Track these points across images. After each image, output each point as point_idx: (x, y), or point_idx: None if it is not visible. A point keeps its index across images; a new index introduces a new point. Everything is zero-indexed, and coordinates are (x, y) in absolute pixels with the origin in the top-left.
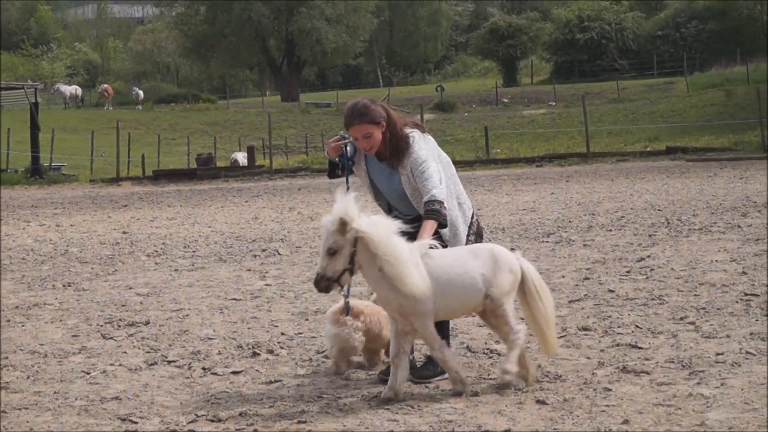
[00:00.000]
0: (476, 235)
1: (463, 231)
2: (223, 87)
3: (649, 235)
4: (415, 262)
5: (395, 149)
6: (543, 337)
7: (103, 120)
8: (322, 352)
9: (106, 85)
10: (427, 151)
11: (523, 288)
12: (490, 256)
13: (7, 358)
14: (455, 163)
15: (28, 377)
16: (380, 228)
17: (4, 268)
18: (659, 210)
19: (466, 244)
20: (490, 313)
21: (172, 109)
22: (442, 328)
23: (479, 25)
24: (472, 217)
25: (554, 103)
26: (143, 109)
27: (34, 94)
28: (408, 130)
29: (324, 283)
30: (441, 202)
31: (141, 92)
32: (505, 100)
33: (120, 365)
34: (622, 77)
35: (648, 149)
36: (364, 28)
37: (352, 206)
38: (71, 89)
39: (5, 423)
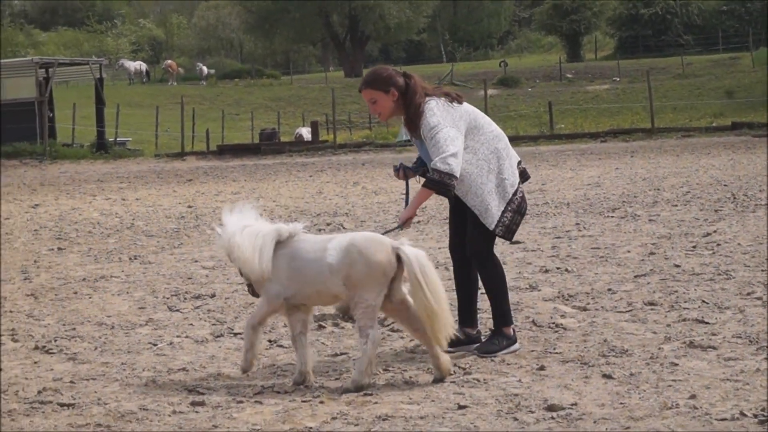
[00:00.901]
0: (515, 212)
1: (496, 206)
2: (286, 62)
3: (715, 210)
4: (259, 244)
5: (410, 119)
6: (429, 330)
7: (168, 95)
8: (388, 324)
9: (170, 61)
10: (440, 117)
11: (409, 279)
12: (345, 247)
13: (74, 329)
14: (518, 138)
15: (96, 348)
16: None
17: (71, 241)
18: (725, 185)
19: (501, 220)
20: (352, 306)
21: (236, 85)
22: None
23: (543, 1)
24: (515, 193)
25: (618, 79)
26: (207, 85)
27: (99, 70)
28: (427, 100)
29: None
30: (442, 172)
31: (205, 68)
32: (569, 76)
33: (186, 337)
34: (686, 52)
35: (713, 125)
36: (428, 3)
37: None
38: (136, 65)
39: (74, 393)
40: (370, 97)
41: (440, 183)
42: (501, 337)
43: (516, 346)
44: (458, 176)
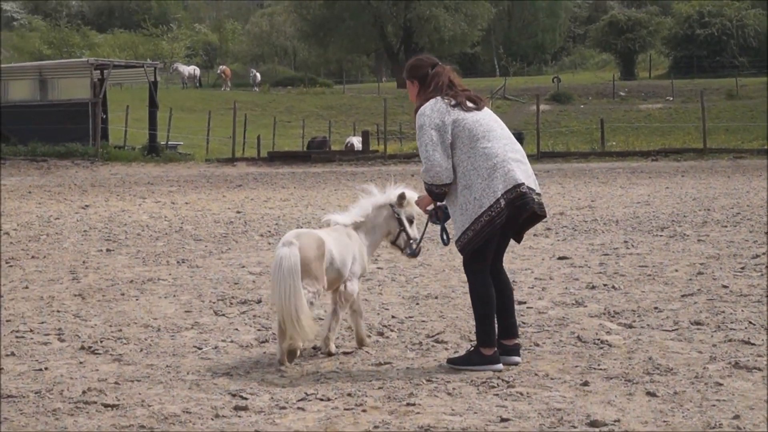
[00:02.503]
0: (477, 233)
1: (460, 222)
2: (339, 71)
3: (765, 233)
4: None
5: (415, 112)
6: None
7: (220, 101)
8: (433, 336)
9: (224, 67)
10: (428, 119)
11: None
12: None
13: (120, 330)
14: (569, 154)
15: (141, 350)
16: None
17: (119, 242)
18: None
19: (460, 237)
20: None
21: (288, 92)
22: None
23: (598, 18)
24: (482, 215)
25: (671, 98)
26: (260, 91)
27: (154, 73)
28: (431, 98)
29: None
30: (426, 184)
31: (258, 74)
32: (622, 94)
33: (231, 342)
34: (741, 74)
35: (766, 147)
36: (483, 16)
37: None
38: (189, 69)
39: (118, 394)
40: (406, 83)
41: (430, 192)
42: (475, 355)
43: (497, 366)
44: (445, 181)
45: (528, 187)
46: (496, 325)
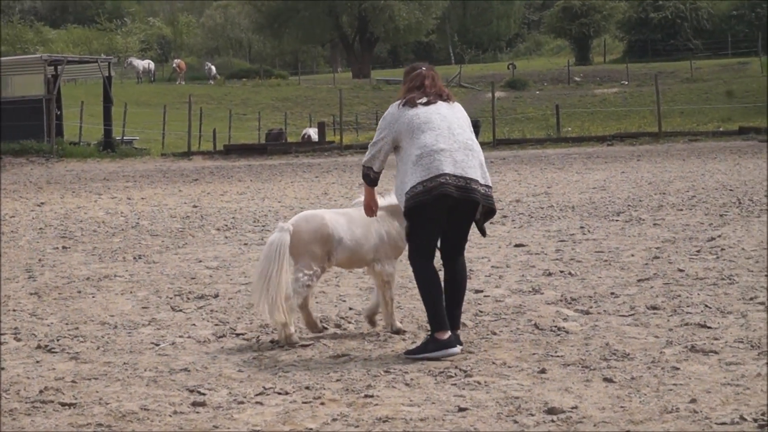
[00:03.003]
0: (409, 210)
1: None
2: (295, 63)
3: (720, 215)
4: None
5: None
6: None
7: (175, 94)
8: (387, 329)
9: (179, 60)
10: (384, 119)
11: None
12: None
13: (77, 328)
14: (525, 141)
15: (99, 348)
16: None
17: (75, 239)
18: (731, 190)
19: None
20: None
21: (243, 85)
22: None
23: (552, 4)
24: (407, 201)
25: (627, 82)
26: (215, 84)
27: (108, 68)
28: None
29: None
30: (363, 166)
31: (213, 67)
32: (577, 79)
33: (189, 337)
34: (695, 57)
35: (721, 129)
36: (437, 5)
37: None
38: (144, 63)
39: (75, 392)
40: None
41: (366, 177)
42: (431, 342)
43: (453, 350)
44: (374, 168)
45: (453, 176)
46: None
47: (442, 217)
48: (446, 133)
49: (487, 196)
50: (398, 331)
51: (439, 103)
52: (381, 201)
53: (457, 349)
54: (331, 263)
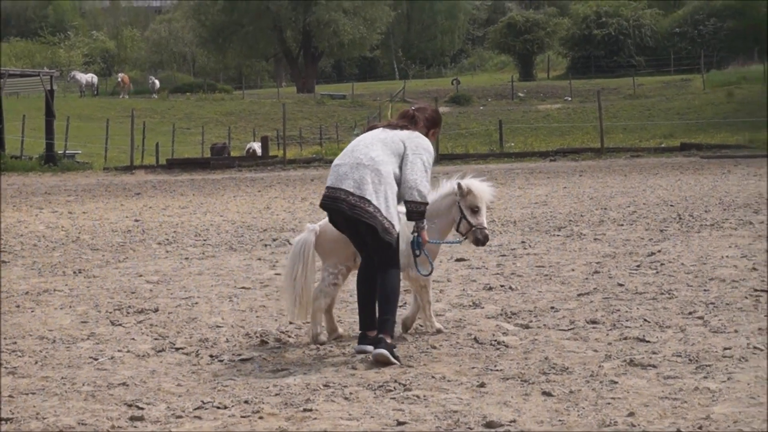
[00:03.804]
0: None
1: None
2: (239, 77)
3: (661, 230)
4: None
5: None
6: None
7: (119, 108)
8: (330, 341)
9: (122, 74)
10: None
11: None
12: None
13: (15, 343)
14: (468, 156)
15: (36, 362)
16: None
17: (15, 254)
18: (671, 205)
19: None
20: None
21: (187, 99)
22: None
23: (496, 20)
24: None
25: (570, 98)
26: (159, 98)
27: (50, 82)
28: None
29: None
30: None
31: (157, 81)
32: (521, 95)
33: (128, 351)
34: (638, 73)
35: (663, 145)
36: (381, 20)
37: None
38: (87, 77)
39: (12, 407)
40: None
41: None
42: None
43: (365, 347)
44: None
45: (330, 188)
46: (365, 315)
47: (340, 225)
48: (348, 151)
49: (354, 207)
50: (438, 331)
51: (382, 128)
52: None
53: (368, 348)
54: (357, 264)
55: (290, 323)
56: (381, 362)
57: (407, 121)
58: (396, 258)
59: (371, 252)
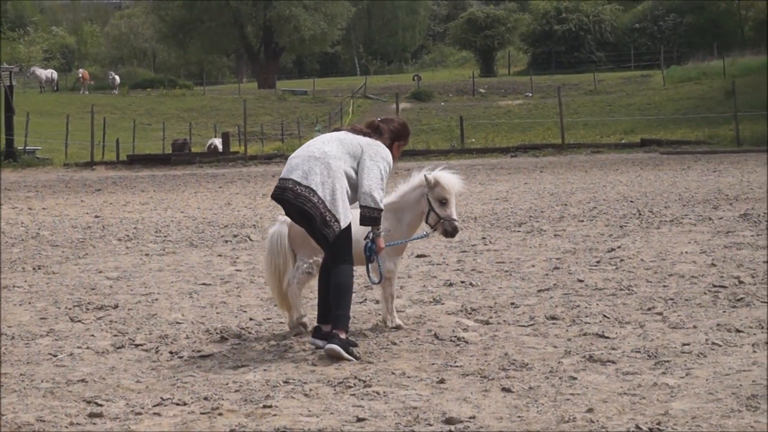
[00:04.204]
0: None
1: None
2: (200, 73)
3: (620, 226)
4: None
5: None
6: None
7: (79, 104)
8: (290, 338)
9: (82, 70)
10: None
11: None
12: None
13: None
14: (429, 152)
15: None
16: None
17: None
18: (631, 201)
19: None
20: None
21: (148, 95)
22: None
23: (457, 15)
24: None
25: (531, 94)
26: (119, 94)
27: (9, 77)
28: None
29: None
30: None
31: (117, 77)
32: (482, 91)
33: (87, 348)
34: (599, 69)
35: (623, 141)
36: (342, 15)
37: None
38: (47, 73)
39: None
40: None
41: None
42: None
43: (315, 341)
44: None
45: (280, 179)
46: (321, 309)
47: (294, 217)
48: (304, 146)
49: (299, 196)
50: (397, 327)
51: (345, 131)
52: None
53: (320, 342)
54: None
55: (250, 319)
56: (332, 357)
57: (372, 131)
58: (347, 252)
59: (324, 247)
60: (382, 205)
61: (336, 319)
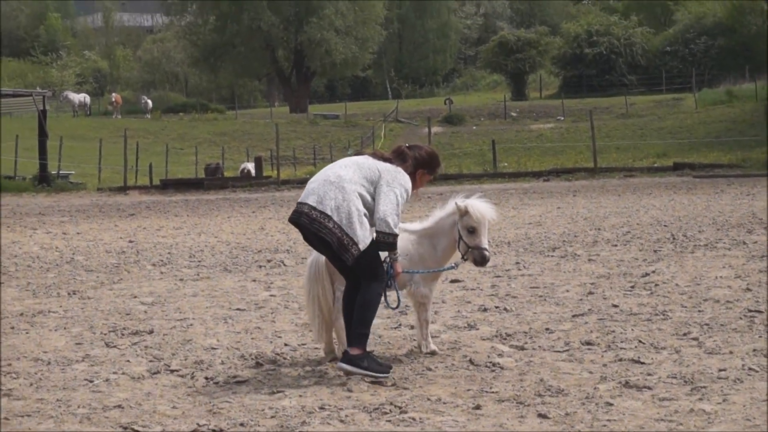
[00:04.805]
0: None
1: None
2: (231, 97)
3: (654, 251)
4: None
5: None
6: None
7: (112, 128)
8: (325, 363)
9: (115, 94)
10: None
11: None
12: None
13: (10, 365)
14: (462, 176)
15: (31, 384)
16: None
17: (9, 275)
18: (665, 226)
19: None
20: None
21: (180, 119)
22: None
23: (488, 39)
24: None
25: (562, 118)
26: (152, 118)
27: (43, 102)
28: None
29: None
30: None
31: (149, 101)
32: (514, 114)
33: (123, 374)
34: (630, 92)
35: (655, 165)
36: (373, 39)
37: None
38: (80, 97)
39: (8, 430)
40: None
41: None
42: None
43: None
44: None
45: (303, 203)
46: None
47: (313, 243)
48: (322, 171)
49: (314, 221)
50: (432, 353)
51: (366, 155)
52: (417, 225)
53: (339, 363)
54: None
55: (285, 345)
56: (346, 373)
57: (395, 156)
58: (376, 271)
59: (352, 271)
60: (397, 230)
61: (353, 336)
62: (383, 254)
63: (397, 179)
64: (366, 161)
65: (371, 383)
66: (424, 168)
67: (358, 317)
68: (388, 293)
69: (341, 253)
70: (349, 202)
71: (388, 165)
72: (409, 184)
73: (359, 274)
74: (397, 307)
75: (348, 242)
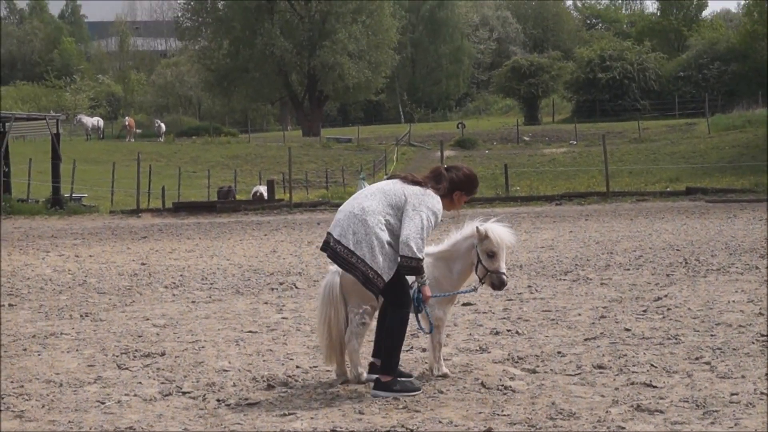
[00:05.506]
0: None
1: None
2: (244, 121)
3: (667, 275)
4: None
5: None
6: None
7: (125, 152)
8: (336, 386)
9: (128, 117)
10: None
11: None
12: None
13: (22, 386)
14: (474, 200)
15: (43, 406)
16: None
17: (22, 297)
18: (677, 250)
19: None
20: None
21: (193, 142)
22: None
23: (501, 63)
24: None
25: (575, 142)
26: (165, 142)
27: (56, 125)
28: None
29: None
30: None
31: (163, 125)
32: (526, 138)
33: (135, 395)
34: (643, 117)
35: (668, 189)
36: (386, 64)
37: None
38: (93, 121)
39: None
40: None
41: None
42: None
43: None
44: None
45: (330, 233)
46: (376, 343)
47: (340, 265)
48: (349, 201)
49: (337, 256)
50: (444, 375)
51: (397, 179)
52: (434, 247)
53: (373, 391)
54: (380, 303)
55: (297, 367)
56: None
57: (429, 178)
58: (402, 299)
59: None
60: (421, 255)
61: (384, 365)
62: (410, 278)
63: (424, 202)
64: (393, 187)
65: (382, 407)
66: (461, 189)
67: (385, 345)
68: (420, 317)
69: (368, 287)
70: (371, 235)
71: (415, 188)
72: (438, 206)
73: (386, 300)
74: (430, 331)
75: (373, 275)
